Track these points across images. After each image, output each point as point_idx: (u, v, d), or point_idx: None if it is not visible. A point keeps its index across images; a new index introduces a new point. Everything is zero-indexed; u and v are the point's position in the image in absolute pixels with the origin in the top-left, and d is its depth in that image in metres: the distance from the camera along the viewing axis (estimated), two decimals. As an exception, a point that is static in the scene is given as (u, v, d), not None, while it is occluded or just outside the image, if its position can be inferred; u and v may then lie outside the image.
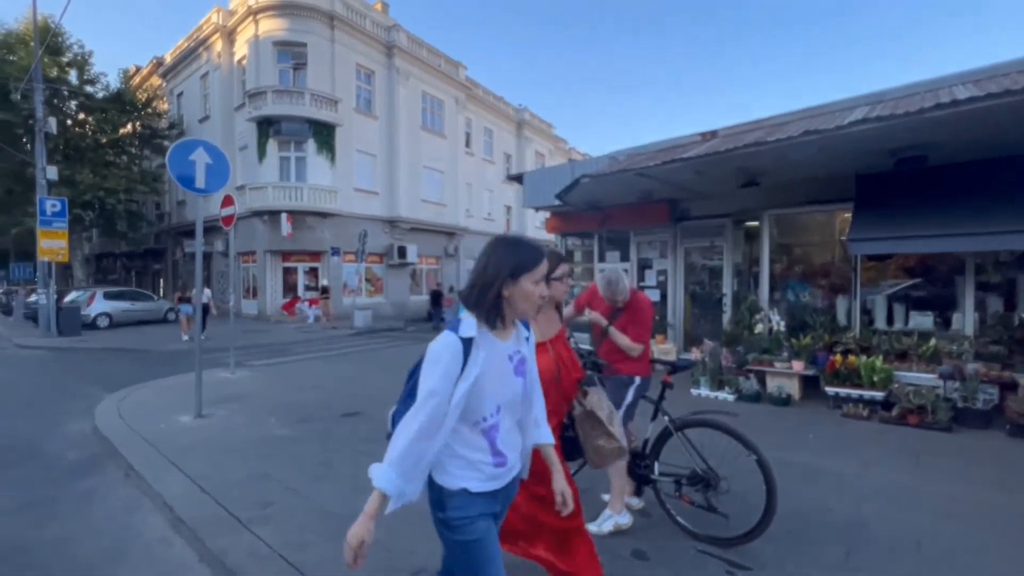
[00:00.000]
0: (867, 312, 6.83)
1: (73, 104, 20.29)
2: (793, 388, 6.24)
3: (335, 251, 18.41)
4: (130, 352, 11.26)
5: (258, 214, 17.33)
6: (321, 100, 17.67)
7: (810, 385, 6.33)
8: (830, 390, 5.85)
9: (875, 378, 5.59)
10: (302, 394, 6.65)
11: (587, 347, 3.49)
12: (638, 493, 3.33)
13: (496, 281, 1.44)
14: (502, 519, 1.65)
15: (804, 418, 5.52)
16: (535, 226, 28.28)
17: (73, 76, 19.73)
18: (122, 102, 20.58)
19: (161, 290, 25.17)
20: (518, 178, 11.28)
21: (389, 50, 20.59)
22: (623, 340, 3.07)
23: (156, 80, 25.24)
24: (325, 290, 17.97)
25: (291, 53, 18.17)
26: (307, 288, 18.65)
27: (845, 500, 3.42)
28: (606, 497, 3.18)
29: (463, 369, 1.40)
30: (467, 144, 25.47)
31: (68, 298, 15.73)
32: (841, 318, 6.95)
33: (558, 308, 2.62)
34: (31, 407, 6.31)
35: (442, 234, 23.48)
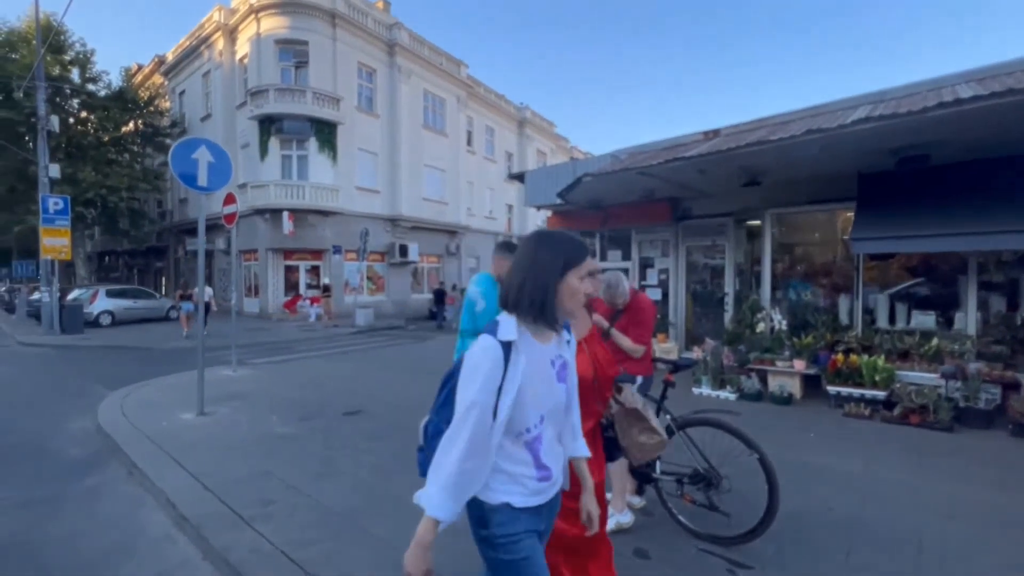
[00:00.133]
0: (869, 311, 6.82)
1: (75, 102, 20.30)
2: (795, 387, 6.23)
3: (337, 249, 18.43)
4: (132, 350, 11.29)
5: (260, 212, 17.34)
6: (323, 98, 17.67)
7: (811, 384, 6.33)
8: (832, 389, 5.85)
9: (877, 377, 5.59)
10: (304, 392, 6.66)
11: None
12: (640, 492, 3.34)
13: (547, 278, 1.34)
14: (547, 538, 1.54)
15: (805, 417, 5.51)
16: (537, 225, 28.29)
17: (75, 74, 19.73)
18: (124, 100, 20.60)
19: (163, 288, 25.22)
20: (520, 177, 11.28)
21: (391, 48, 20.57)
22: (625, 342, 3.07)
23: (158, 78, 25.26)
24: (327, 288, 17.99)
25: (293, 51, 18.17)
26: (309, 286, 18.67)
27: (846, 499, 3.42)
28: (608, 496, 3.19)
29: (504, 377, 1.29)
30: (469, 142, 25.45)
31: (71, 296, 15.77)
32: (843, 317, 6.94)
33: (587, 305, 2.60)
34: (34, 404, 6.33)
35: (443, 233, 23.48)
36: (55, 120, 14.10)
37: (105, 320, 15.78)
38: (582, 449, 1.59)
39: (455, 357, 3.39)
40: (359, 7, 19.36)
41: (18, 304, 19.17)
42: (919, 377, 5.62)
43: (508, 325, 1.34)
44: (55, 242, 13.13)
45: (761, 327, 7.14)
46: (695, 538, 2.88)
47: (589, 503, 1.60)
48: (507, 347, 1.30)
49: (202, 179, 5.34)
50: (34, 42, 14.86)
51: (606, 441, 2.37)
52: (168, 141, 21.64)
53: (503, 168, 27.98)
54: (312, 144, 17.77)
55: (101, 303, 15.91)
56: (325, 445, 4.49)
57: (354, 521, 3.08)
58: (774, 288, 7.66)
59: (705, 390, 6.60)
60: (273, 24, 17.89)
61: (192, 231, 21.44)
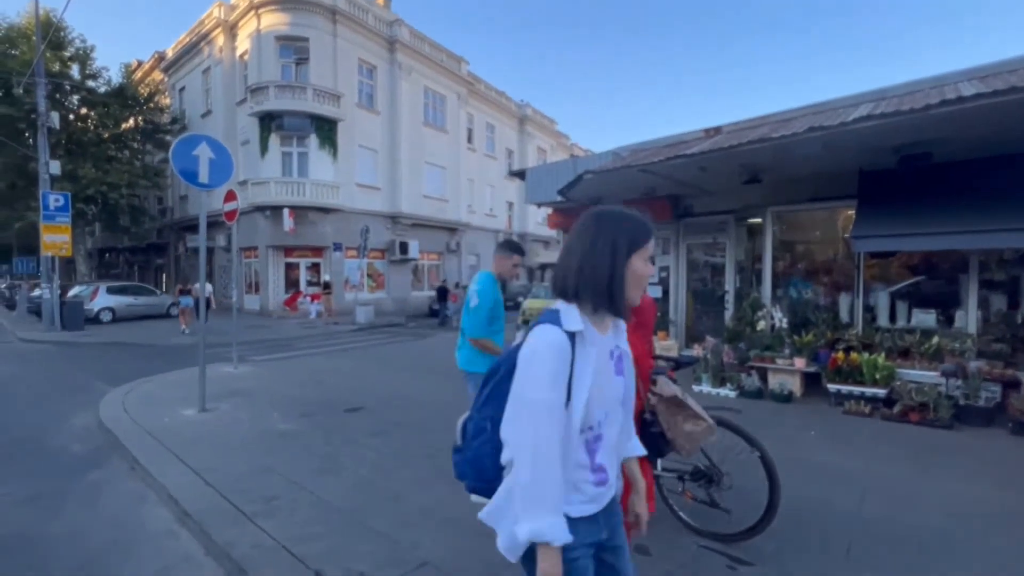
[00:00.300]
0: (870, 309, 6.83)
1: (75, 99, 20.27)
2: (795, 385, 6.24)
3: (337, 247, 18.42)
4: (133, 346, 11.31)
5: (260, 209, 17.33)
6: (323, 95, 17.63)
7: (812, 382, 6.33)
8: (832, 387, 5.85)
9: (877, 375, 5.59)
10: (304, 389, 6.68)
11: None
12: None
13: (612, 261, 1.21)
14: (624, 555, 1.37)
15: (805, 415, 5.52)
16: (537, 222, 28.31)
17: (75, 71, 19.71)
18: (124, 97, 20.57)
19: (164, 285, 25.22)
20: (520, 174, 11.26)
21: (391, 45, 20.52)
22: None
23: (158, 75, 25.21)
24: (327, 285, 18.00)
25: (293, 48, 18.14)
26: (309, 283, 18.68)
27: (846, 497, 3.43)
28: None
29: (572, 372, 1.16)
30: (469, 140, 25.41)
31: (71, 293, 15.79)
32: (844, 315, 6.94)
33: None
34: (36, 401, 6.35)
35: (444, 230, 23.47)
36: (55, 116, 14.09)
37: (106, 317, 15.80)
38: (637, 448, 1.50)
39: (457, 354, 3.41)
40: (360, 3, 19.31)
41: (19, 301, 19.20)
42: (919, 375, 5.62)
43: (571, 314, 1.20)
44: (56, 239, 13.14)
45: (762, 325, 7.14)
46: (696, 535, 2.89)
47: (639, 505, 1.51)
48: (571, 338, 1.17)
49: (203, 176, 5.33)
50: (34, 38, 14.83)
51: (653, 437, 2.31)
52: (168, 138, 21.61)
53: (503, 165, 27.95)
54: (312, 141, 17.76)
55: (102, 300, 15.93)
56: (326, 441, 4.51)
57: (356, 516, 3.09)
58: (775, 286, 7.66)
59: (705, 387, 6.60)
60: (273, 20, 17.85)
61: (192, 228, 21.44)
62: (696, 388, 6.64)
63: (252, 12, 18.11)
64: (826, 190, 6.91)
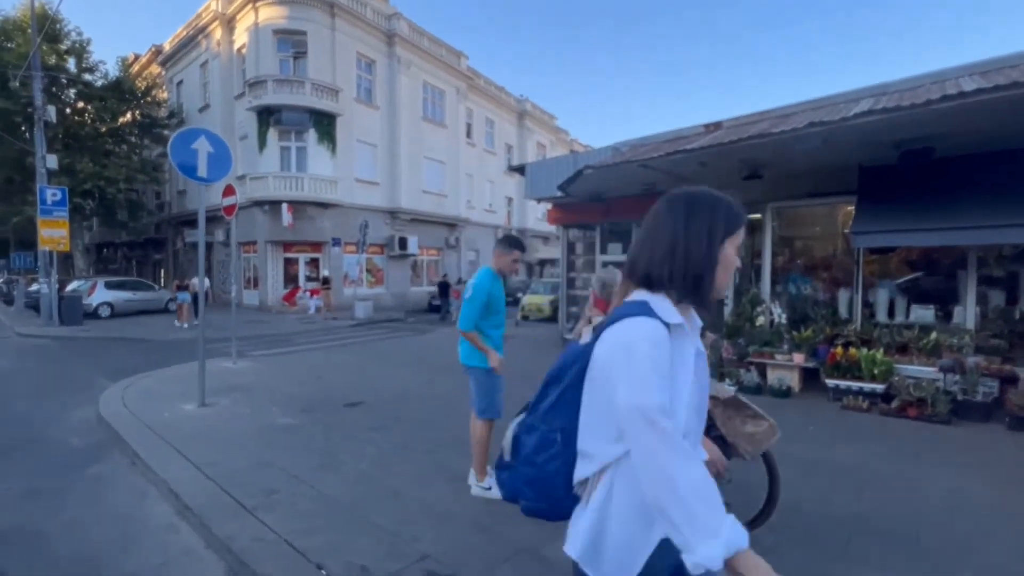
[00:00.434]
0: (868, 305, 6.84)
1: (72, 92, 20.14)
2: (793, 380, 6.26)
3: (336, 242, 18.39)
4: (132, 341, 11.30)
5: (259, 204, 17.28)
6: (322, 89, 17.55)
7: (810, 377, 6.35)
8: (830, 382, 5.87)
9: (875, 371, 5.61)
10: (304, 384, 6.68)
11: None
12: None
13: (706, 248, 1.08)
14: None
15: (804, 410, 5.54)
16: (536, 218, 28.27)
17: (72, 64, 19.58)
18: (121, 90, 20.44)
19: (162, 280, 25.17)
20: (520, 169, 11.24)
21: (390, 39, 20.41)
22: None
23: (155, 68, 25.05)
24: (326, 281, 17.98)
25: (291, 42, 18.02)
26: (308, 279, 18.66)
27: (845, 491, 3.45)
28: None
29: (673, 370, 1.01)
30: (468, 135, 25.34)
31: (69, 287, 15.74)
32: (843, 311, 6.96)
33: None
34: (35, 396, 6.34)
35: (443, 225, 23.43)
36: (52, 110, 13.99)
37: (104, 312, 15.77)
38: (702, 455, 1.33)
39: (459, 349, 3.41)
40: (358, -3, 19.19)
41: (16, 295, 19.15)
42: (917, 371, 5.65)
43: (664, 304, 1.06)
44: (53, 233, 13.08)
45: (761, 320, 7.16)
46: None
47: None
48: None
49: (202, 170, 5.31)
50: (29, 31, 14.71)
51: (714, 441, 2.22)
52: (166, 132, 21.49)
53: (503, 161, 27.87)
54: (311, 136, 17.68)
55: (100, 295, 15.90)
56: (326, 436, 4.51)
57: (356, 511, 3.10)
58: (774, 282, 7.67)
59: (704, 383, 6.61)
60: (271, 14, 17.72)
61: (190, 223, 21.38)
62: (695, 383, 6.64)
63: (250, 5, 17.98)
64: (826, 186, 6.90)
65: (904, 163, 5.65)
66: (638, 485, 0.98)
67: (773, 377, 6.35)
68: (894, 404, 5.32)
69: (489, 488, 3.27)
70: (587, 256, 10.91)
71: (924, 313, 6.39)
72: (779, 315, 7.01)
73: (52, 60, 17.89)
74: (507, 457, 1.26)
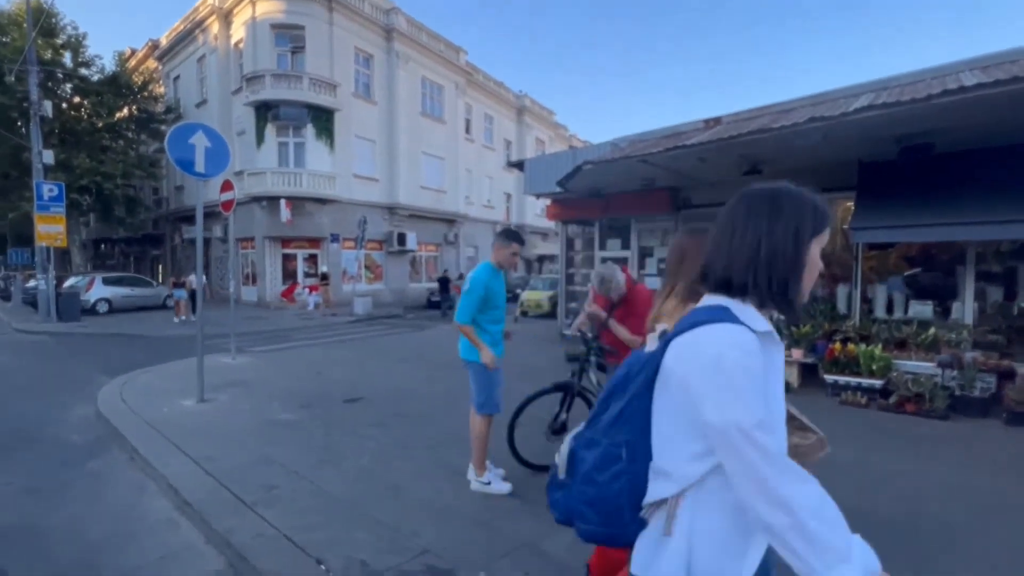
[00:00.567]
0: (867, 300, 6.85)
1: (68, 87, 20.02)
2: (792, 376, 6.27)
3: (334, 238, 18.35)
4: (130, 337, 11.27)
5: (257, 200, 17.21)
6: (320, 84, 17.45)
7: (809, 373, 6.36)
8: (829, 378, 5.89)
9: (874, 366, 5.62)
10: (303, 380, 6.67)
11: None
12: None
13: (797, 248, 0.98)
14: None
15: (802, 405, 5.46)
16: (535, 214, 28.23)
17: (67, 58, 19.45)
18: (118, 85, 20.31)
19: (160, 276, 25.11)
20: (519, 165, 11.22)
21: (388, 34, 20.29)
22: (622, 332, 3.08)
23: (152, 63, 24.88)
24: (325, 277, 17.95)
25: (289, 36, 17.91)
26: (306, 275, 18.63)
27: (843, 487, 3.44)
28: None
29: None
30: (467, 130, 25.24)
31: (67, 283, 15.71)
32: (841, 306, 6.97)
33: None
34: (33, 392, 6.33)
35: (442, 221, 23.38)
36: (48, 105, 13.91)
37: (102, 308, 15.74)
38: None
39: (460, 345, 3.41)
40: (356, -9, 19.07)
41: (14, 292, 19.11)
42: (915, 366, 5.67)
43: (750, 311, 0.98)
44: (50, 229, 13.03)
45: (759, 316, 7.16)
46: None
47: None
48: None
49: (199, 165, 5.28)
50: (25, 25, 14.61)
51: None
52: (163, 127, 21.38)
53: (502, 156, 27.78)
54: (309, 131, 17.60)
55: (98, 291, 15.87)
56: (326, 432, 4.51)
57: (356, 506, 3.11)
58: (773, 277, 7.67)
59: (703, 378, 6.63)
60: (268, 8, 17.60)
61: (188, 219, 21.29)
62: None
63: (247, -1, 17.87)
64: (825, 181, 6.86)
65: (904, 159, 5.65)
66: (726, 509, 0.92)
67: (772, 373, 6.35)
68: (892, 399, 5.34)
69: (488, 483, 3.27)
70: (586, 252, 10.90)
71: (922, 309, 6.40)
72: (778, 311, 7.00)
73: (48, 55, 17.76)
74: (561, 475, 1.15)
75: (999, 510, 3.12)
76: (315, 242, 18.54)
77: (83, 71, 19.78)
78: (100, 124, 20.22)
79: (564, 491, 1.14)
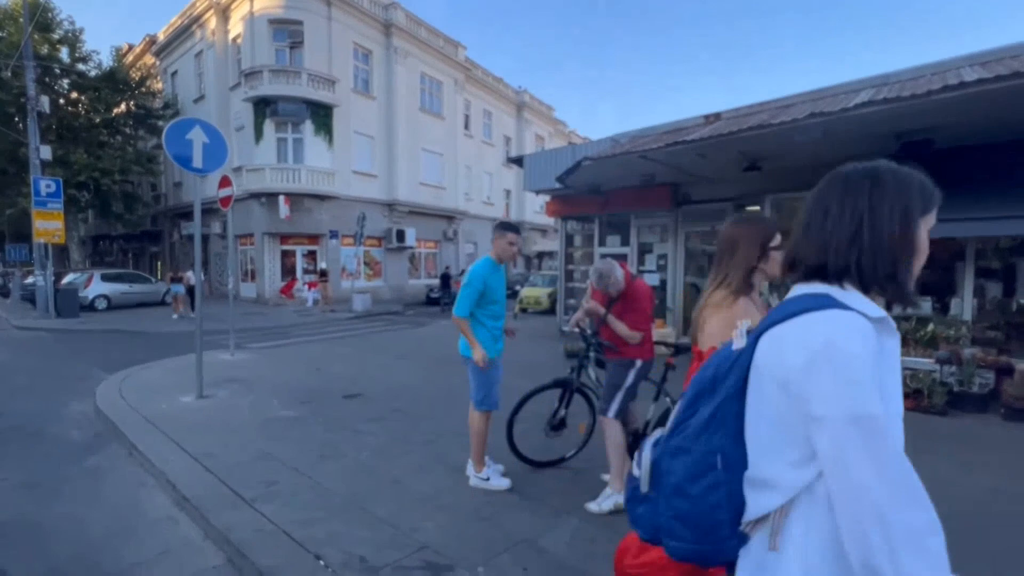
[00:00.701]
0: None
1: (65, 83, 19.92)
2: (791, 372, 6.27)
3: (333, 234, 18.32)
4: (129, 334, 11.26)
5: (255, 196, 17.17)
6: (318, 80, 17.38)
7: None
8: (828, 374, 5.88)
9: (873, 362, 5.62)
10: (303, 376, 6.67)
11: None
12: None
13: (905, 228, 0.90)
14: None
15: (801, 401, 5.55)
16: (535, 210, 28.19)
17: (64, 54, 19.34)
18: (115, 81, 20.20)
19: (158, 272, 25.07)
20: (519, 161, 11.19)
21: (387, 29, 20.20)
22: (620, 328, 3.06)
23: (149, 59, 24.76)
24: (324, 273, 17.94)
25: (287, 31, 17.82)
26: (305, 271, 18.61)
27: (841, 481, 3.46)
28: (606, 477, 3.22)
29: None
30: (466, 126, 25.17)
31: (66, 280, 15.69)
32: (840, 303, 6.96)
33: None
34: (32, 388, 6.33)
35: (441, 218, 23.34)
36: (45, 101, 13.85)
37: (101, 304, 15.72)
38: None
39: (460, 341, 3.40)
40: (354, -14, 18.97)
41: (12, 288, 19.07)
42: (914, 362, 5.67)
43: (858, 297, 0.88)
44: (48, 225, 13.00)
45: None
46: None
47: None
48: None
49: (197, 160, 5.26)
50: (21, 19, 14.51)
51: None
52: (161, 123, 21.29)
53: (501, 152, 27.73)
54: (308, 127, 17.54)
55: (96, 287, 15.85)
56: (325, 428, 4.51)
57: (355, 501, 3.11)
58: (772, 274, 7.67)
59: (702, 375, 6.63)
60: (267, 3, 17.50)
61: (187, 215, 21.24)
62: (693, 375, 6.67)
63: (245, -6, 17.76)
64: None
65: (903, 155, 5.64)
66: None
67: (771, 369, 6.36)
68: (891, 395, 5.34)
69: (487, 479, 3.28)
70: (585, 248, 10.90)
71: (921, 304, 6.40)
72: (777, 307, 7.01)
73: (44, 50, 17.67)
74: (644, 488, 1.03)
75: (997, 506, 3.12)
76: (314, 238, 18.51)
77: (80, 67, 19.67)
78: (98, 120, 20.14)
79: (649, 506, 1.03)
